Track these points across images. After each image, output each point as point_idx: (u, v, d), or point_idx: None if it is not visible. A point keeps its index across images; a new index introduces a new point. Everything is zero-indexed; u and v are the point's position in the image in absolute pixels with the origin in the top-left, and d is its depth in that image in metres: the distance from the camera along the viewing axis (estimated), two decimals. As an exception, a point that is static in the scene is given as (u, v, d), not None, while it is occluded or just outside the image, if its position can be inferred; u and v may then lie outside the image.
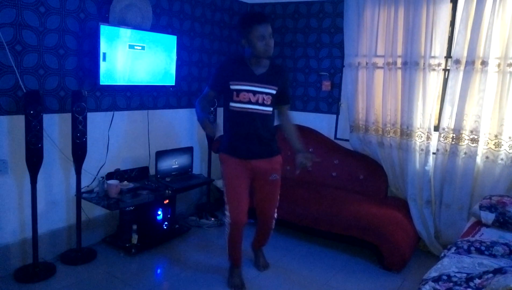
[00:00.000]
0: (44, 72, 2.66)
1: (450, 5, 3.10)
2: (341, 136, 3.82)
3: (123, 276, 2.68)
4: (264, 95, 2.38)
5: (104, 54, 2.82)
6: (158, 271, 2.90)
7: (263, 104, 2.39)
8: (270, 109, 2.43)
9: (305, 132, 3.93)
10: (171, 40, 3.31)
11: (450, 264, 1.98)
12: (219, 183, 4.14)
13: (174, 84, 3.41)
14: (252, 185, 2.58)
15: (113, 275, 2.69)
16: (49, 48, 2.66)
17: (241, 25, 2.38)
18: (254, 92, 2.38)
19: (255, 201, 2.65)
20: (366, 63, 3.43)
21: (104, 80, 2.86)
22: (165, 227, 3.27)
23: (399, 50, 3.25)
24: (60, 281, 2.57)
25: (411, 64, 3.16)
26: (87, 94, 2.75)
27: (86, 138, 2.74)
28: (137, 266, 2.85)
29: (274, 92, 2.41)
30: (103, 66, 2.82)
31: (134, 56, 3.01)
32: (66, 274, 2.66)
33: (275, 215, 2.71)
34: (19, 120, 2.49)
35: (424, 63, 3.12)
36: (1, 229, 2.57)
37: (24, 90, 2.53)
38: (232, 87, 2.38)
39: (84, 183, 2.92)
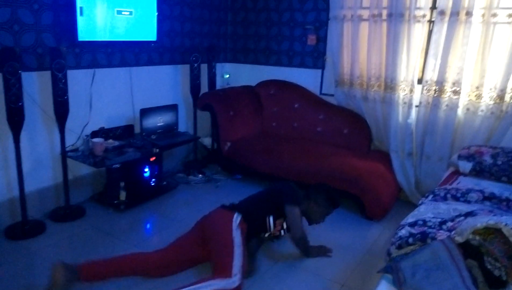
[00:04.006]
0: (19, 28, 2.57)
1: (437, -47, 3.03)
2: (326, 91, 3.83)
3: (113, 232, 2.75)
4: None
5: (81, 8, 2.72)
6: (147, 226, 2.97)
7: None
8: None
9: (291, 87, 3.92)
10: (151, -7, 3.19)
11: (427, 210, 2.06)
12: (205, 141, 4.17)
13: (155, 39, 3.33)
14: None
15: (102, 231, 2.75)
16: (22, 2, 2.55)
17: None
18: None
19: None
20: (352, 16, 3.38)
21: (82, 36, 2.78)
22: (153, 184, 3.32)
23: (385, 1, 3.19)
24: (50, 237, 2.63)
25: (396, 16, 3.12)
26: (65, 50, 2.68)
27: (67, 96, 2.70)
28: (126, 221, 2.91)
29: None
30: (80, 21, 2.73)
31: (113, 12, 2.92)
32: (56, 230, 2.71)
33: None
34: (-3, 79, 2.43)
35: (409, 15, 3.08)
36: (-13, 189, 2.59)
37: (-1, 47, 2.46)
38: None
39: (69, 142, 2.91)
